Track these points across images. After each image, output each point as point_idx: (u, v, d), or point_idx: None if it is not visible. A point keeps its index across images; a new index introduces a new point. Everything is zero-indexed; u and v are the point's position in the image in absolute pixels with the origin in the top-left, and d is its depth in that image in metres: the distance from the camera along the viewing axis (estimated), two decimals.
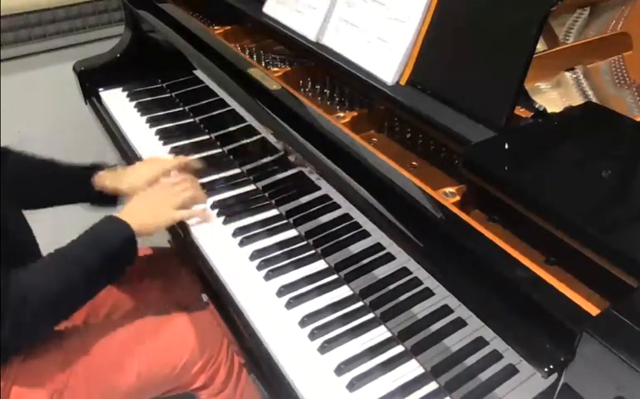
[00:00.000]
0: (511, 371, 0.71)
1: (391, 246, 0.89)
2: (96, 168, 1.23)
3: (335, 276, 1.03)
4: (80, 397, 1.02)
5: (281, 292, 1.00)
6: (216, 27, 1.47)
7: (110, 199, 1.24)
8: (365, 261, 0.96)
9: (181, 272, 1.37)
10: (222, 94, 1.30)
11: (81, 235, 0.98)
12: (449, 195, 0.85)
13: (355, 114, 1.10)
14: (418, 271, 0.84)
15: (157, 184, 1.18)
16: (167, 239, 1.39)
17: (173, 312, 1.21)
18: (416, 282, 0.85)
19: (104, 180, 1.21)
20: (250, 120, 1.21)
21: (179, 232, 1.18)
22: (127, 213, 1.05)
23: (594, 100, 1.01)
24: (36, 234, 1.14)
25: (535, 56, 0.88)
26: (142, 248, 1.35)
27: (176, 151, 1.39)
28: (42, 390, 0.99)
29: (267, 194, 1.23)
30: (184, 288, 1.38)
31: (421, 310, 0.86)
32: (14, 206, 1.06)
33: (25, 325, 0.89)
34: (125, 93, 1.65)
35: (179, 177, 1.20)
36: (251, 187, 1.27)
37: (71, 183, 1.23)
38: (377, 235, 0.91)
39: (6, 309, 0.86)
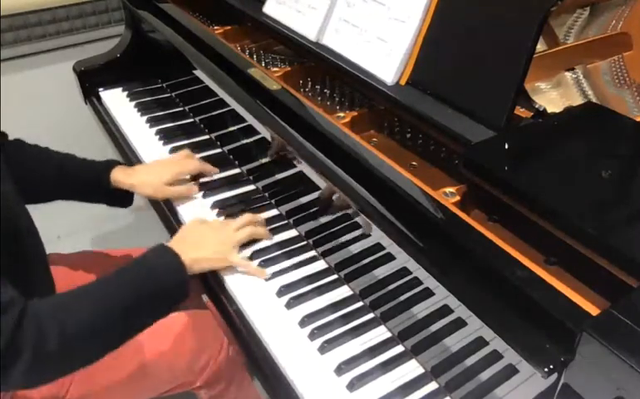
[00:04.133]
0: (511, 371, 0.71)
1: (391, 246, 0.89)
2: (110, 165, 1.19)
3: (335, 276, 1.03)
4: (82, 396, 1.02)
5: (281, 292, 1.00)
6: (216, 27, 1.47)
7: (125, 198, 1.22)
8: (365, 261, 0.96)
9: None
10: (222, 94, 1.30)
11: (127, 265, 0.88)
12: (449, 195, 0.85)
13: (355, 114, 1.10)
14: (418, 271, 0.84)
15: (214, 221, 1.10)
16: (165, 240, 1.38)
17: (173, 313, 1.21)
18: (416, 282, 0.85)
19: (120, 176, 1.18)
20: (250, 120, 1.21)
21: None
22: (181, 242, 0.95)
23: (594, 100, 1.01)
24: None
25: (535, 56, 0.88)
26: (141, 249, 1.35)
27: (176, 151, 1.39)
28: (45, 388, 0.99)
29: (267, 194, 1.23)
30: None
31: (421, 310, 0.86)
32: (23, 205, 1.01)
33: (42, 365, 0.76)
34: (125, 93, 1.65)
35: (244, 219, 1.08)
36: (251, 187, 1.27)
37: (86, 184, 1.18)
38: (377, 235, 0.91)
39: (22, 342, 0.73)
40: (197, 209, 1.21)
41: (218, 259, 1.00)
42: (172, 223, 1.21)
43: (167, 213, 1.23)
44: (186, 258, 0.92)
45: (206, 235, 1.01)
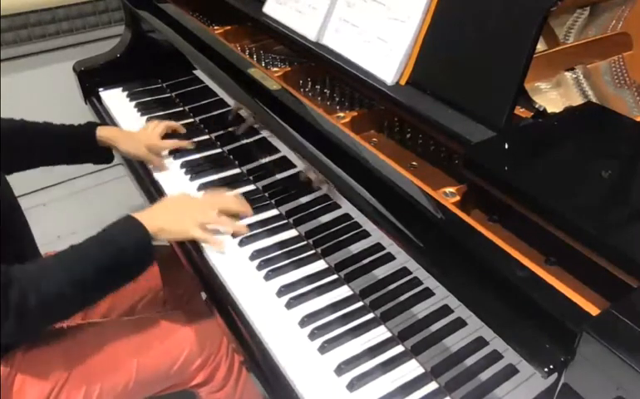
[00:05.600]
0: (511, 371, 0.71)
1: (391, 246, 0.89)
2: (94, 125, 1.30)
3: (335, 276, 1.03)
4: (79, 392, 1.02)
5: (281, 292, 1.00)
6: (216, 27, 1.47)
7: (109, 155, 1.34)
8: (365, 261, 0.96)
9: (181, 270, 1.37)
10: (222, 94, 1.30)
11: (97, 233, 0.96)
12: (449, 195, 0.85)
13: (355, 114, 1.10)
14: (418, 271, 0.84)
15: (188, 196, 1.15)
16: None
17: (172, 310, 1.21)
18: (416, 282, 0.85)
19: (104, 132, 1.29)
20: (250, 120, 1.21)
21: None
22: (147, 215, 1.01)
23: (594, 100, 1.01)
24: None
25: (535, 56, 0.88)
26: None
27: (177, 151, 1.39)
28: (43, 383, 0.99)
29: (267, 194, 1.23)
30: (184, 286, 1.38)
31: (421, 310, 0.86)
32: (6, 184, 1.05)
33: (29, 320, 0.86)
34: (125, 93, 1.65)
35: (221, 195, 1.16)
36: (251, 187, 1.27)
37: (75, 141, 1.29)
38: (377, 235, 0.91)
39: (7, 306, 0.83)
40: None
41: (180, 231, 1.05)
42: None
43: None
44: (150, 225, 0.97)
45: (174, 208, 1.08)
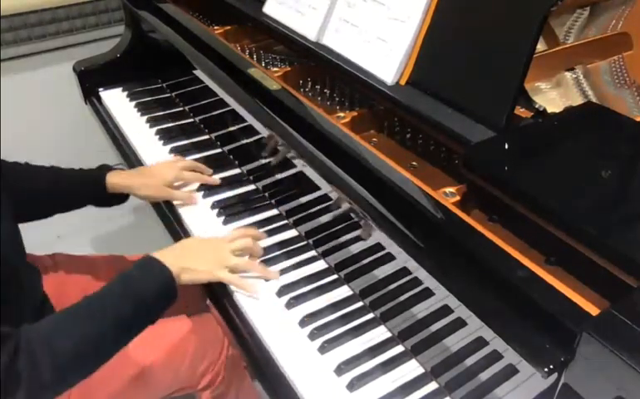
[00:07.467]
0: (511, 371, 0.71)
1: (391, 246, 0.89)
2: (104, 169, 1.20)
3: (335, 276, 1.03)
4: None
5: (281, 292, 1.00)
6: (216, 27, 1.47)
7: (119, 197, 1.22)
8: (365, 261, 0.96)
9: None
10: (222, 94, 1.30)
11: (115, 279, 0.89)
12: (449, 195, 0.85)
13: (355, 114, 1.10)
14: (418, 271, 0.84)
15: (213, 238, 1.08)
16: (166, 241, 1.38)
17: (175, 316, 1.20)
18: (416, 282, 0.85)
19: (116, 179, 1.18)
20: (250, 120, 1.21)
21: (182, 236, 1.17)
22: (170, 255, 0.96)
23: (594, 100, 1.01)
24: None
25: (535, 56, 0.88)
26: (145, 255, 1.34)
27: (177, 151, 1.40)
28: None
29: (267, 194, 1.23)
30: (187, 291, 1.37)
31: (421, 310, 0.86)
32: (14, 225, 0.98)
33: (39, 393, 0.77)
34: (125, 93, 1.65)
35: (240, 232, 1.08)
36: (251, 187, 1.27)
37: (83, 187, 1.19)
38: (377, 235, 0.91)
39: (18, 379, 0.74)
40: (197, 209, 1.21)
41: (205, 271, 0.99)
42: (173, 223, 1.21)
43: (168, 213, 1.23)
44: (174, 266, 0.93)
45: (198, 248, 1.03)
